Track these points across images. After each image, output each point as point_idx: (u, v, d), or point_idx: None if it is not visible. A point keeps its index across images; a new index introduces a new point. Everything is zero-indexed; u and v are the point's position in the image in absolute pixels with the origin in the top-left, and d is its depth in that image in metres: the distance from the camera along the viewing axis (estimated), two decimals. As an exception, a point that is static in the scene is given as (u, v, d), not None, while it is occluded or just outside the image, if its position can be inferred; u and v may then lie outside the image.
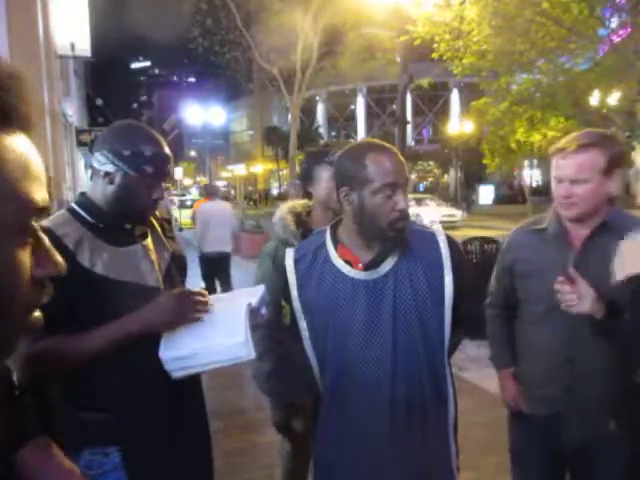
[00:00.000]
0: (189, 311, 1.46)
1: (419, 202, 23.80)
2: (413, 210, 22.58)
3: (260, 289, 1.61)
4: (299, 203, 2.27)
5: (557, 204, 1.87)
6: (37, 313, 0.66)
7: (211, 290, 6.80)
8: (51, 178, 1.16)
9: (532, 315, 1.92)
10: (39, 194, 0.62)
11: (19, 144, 0.61)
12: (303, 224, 2.15)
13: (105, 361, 1.41)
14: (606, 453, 1.81)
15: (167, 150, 1.57)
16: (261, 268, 2.15)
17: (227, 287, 6.98)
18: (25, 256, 0.62)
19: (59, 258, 0.67)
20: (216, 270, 6.97)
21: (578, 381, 1.82)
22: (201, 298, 1.49)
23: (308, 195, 2.22)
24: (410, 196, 23.88)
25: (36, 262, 0.64)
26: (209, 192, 7.65)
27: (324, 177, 2.11)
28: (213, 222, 6.87)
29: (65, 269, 0.67)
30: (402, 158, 1.53)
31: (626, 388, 1.74)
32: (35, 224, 0.63)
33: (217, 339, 1.44)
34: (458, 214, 22.84)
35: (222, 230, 6.92)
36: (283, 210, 2.21)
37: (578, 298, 1.63)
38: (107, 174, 1.51)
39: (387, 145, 1.54)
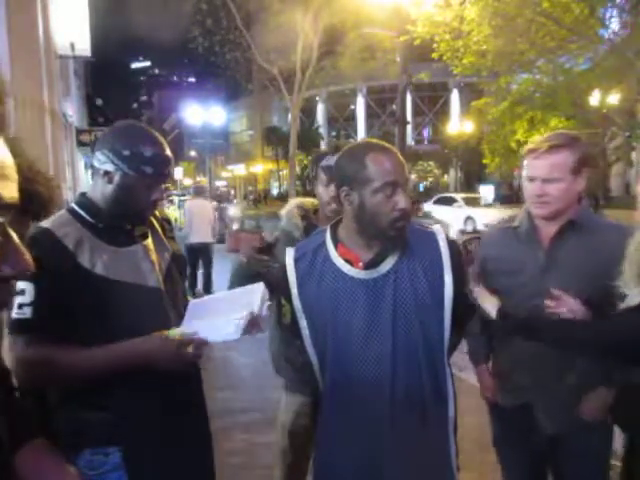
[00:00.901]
0: (185, 360, 1.45)
1: (470, 202, 20.53)
2: (463, 212, 19.56)
3: (259, 287, 1.59)
4: (309, 200, 2.32)
5: (529, 203, 1.94)
6: None
7: (193, 276, 8.19)
8: (56, 183, 1.16)
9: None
10: (7, 192, 0.62)
11: None
12: (308, 219, 2.20)
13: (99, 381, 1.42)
14: (579, 443, 1.90)
15: (168, 152, 1.56)
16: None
17: (208, 271, 8.32)
18: None
19: (28, 256, 0.66)
20: (200, 257, 8.18)
21: (548, 372, 1.89)
22: (199, 348, 1.46)
23: (313, 196, 2.27)
24: (459, 196, 21.66)
25: (7, 261, 0.63)
26: (196, 192, 9.29)
27: (319, 181, 2.17)
28: (196, 217, 8.14)
29: (33, 267, 0.66)
30: (402, 158, 1.53)
31: (597, 380, 1.83)
32: (2, 220, 0.62)
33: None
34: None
35: (203, 224, 8.16)
36: (292, 204, 2.29)
37: (570, 313, 1.71)
38: (106, 173, 1.51)
39: (387, 145, 1.55)
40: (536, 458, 2.06)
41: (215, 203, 9.59)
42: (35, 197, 1.09)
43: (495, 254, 2.02)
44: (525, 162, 1.93)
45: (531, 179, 1.90)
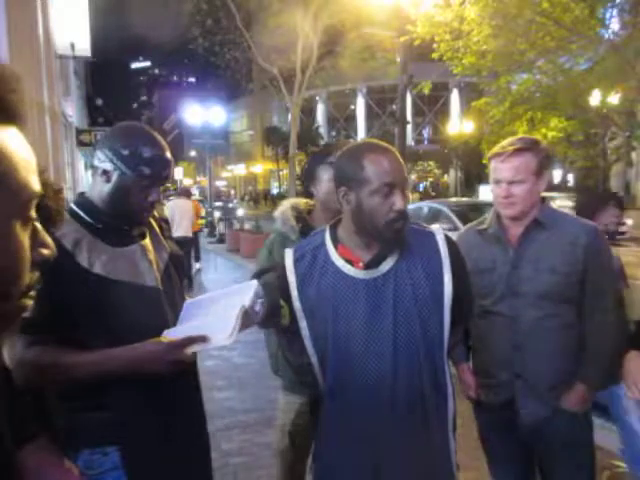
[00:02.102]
0: (177, 364, 1.45)
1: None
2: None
3: (253, 285, 1.60)
4: (302, 200, 2.31)
5: (496, 204, 2.05)
6: (29, 298, 0.70)
7: None
8: (63, 196, 1.16)
9: (479, 308, 2.03)
10: (36, 185, 0.67)
11: (16, 138, 0.65)
12: (303, 220, 2.20)
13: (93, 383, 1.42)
14: (562, 435, 1.98)
15: (168, 154, 1.56)
16: (258, 260, 2.26)
17: (189, 262, 9.70)
18: (27, 240, 0.67)
19: (51, 242, 0.72)
20: (182, 249, 9.43)
21: (526, 366, 1.98)
22: (189, 349, 1.45)
23: (310, 195, 2.25)
24: (556, 195, 19.79)
25: (34, 248, 0.69)
26: (179, 193, 10.76)
27: (325, 178, 2.14)
28: (177, 215, 9.41)
29: (55, 252, 0.72)
30: (401, 158, 1.53)
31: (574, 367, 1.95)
32: (33, 213, 0.68)
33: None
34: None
35: (184, 220, 9.53)
36: (285, 205, 2.27)
37: None
38: (105, 172, 1.51)
39: (386, 145, 1.54)
40: (521, 452, 2.11)
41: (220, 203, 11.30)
42: (43, 210, 1.07)
43: (468, 255, 2.10)
44: (491, 166, 2.04)
45: (497, 181, 2.01)
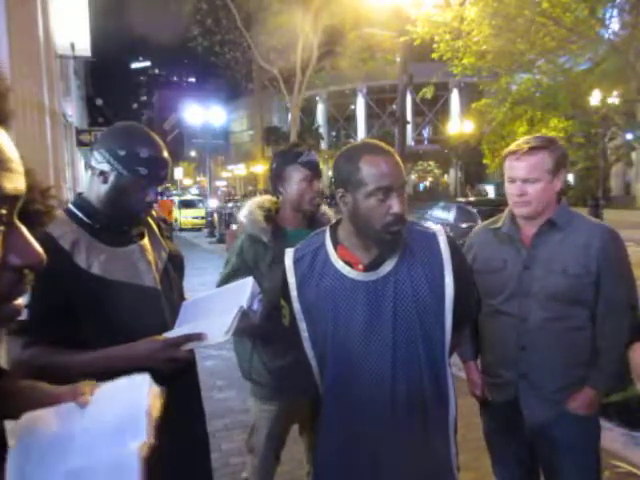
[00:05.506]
0: (174, 361, 1.45)
1: None
2: None
3: (249, 282, 1.59)
4: (267, 199, 2.23)
5: (511, 203, 2.02)
6: (18, 301, 0.65)
7: None
8: (53, 194, 1.14)
9: (487, 307, 2.02)
10: (9, 183, 0.61)
11: None
12: (273, 221, 2.13)
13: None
14: (567, 437, 1.96)
15: (165, 154, 1.55)
16: (227, 265, 2.15)
17: None
18: None
19: (38, 247, 0.66)
20: None
21: (532, 367, 1.97)
22: (189, 346, 1.46)
23: (278, 194, 2.19)
24: None
25: (13, 251, 0.63)
26: None
27: (295, 178, 2.10)
28: None
29: (45, 259, 0.66)
30: (399, 160, 1.51)
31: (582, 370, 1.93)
32: (5, 211, 0.62)
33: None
34: None
35: None
36: (252, 206, 2.18)
37: None
38: (102, 173, 1.51)
39: (384, 147, 1.52)
40: (526, 452, 2.10)
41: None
42: (32, 215, 1.06)
43: (480, 254, 2.11)
44: (506, 164, 2.01)
45: (512, 180, 1.98)
